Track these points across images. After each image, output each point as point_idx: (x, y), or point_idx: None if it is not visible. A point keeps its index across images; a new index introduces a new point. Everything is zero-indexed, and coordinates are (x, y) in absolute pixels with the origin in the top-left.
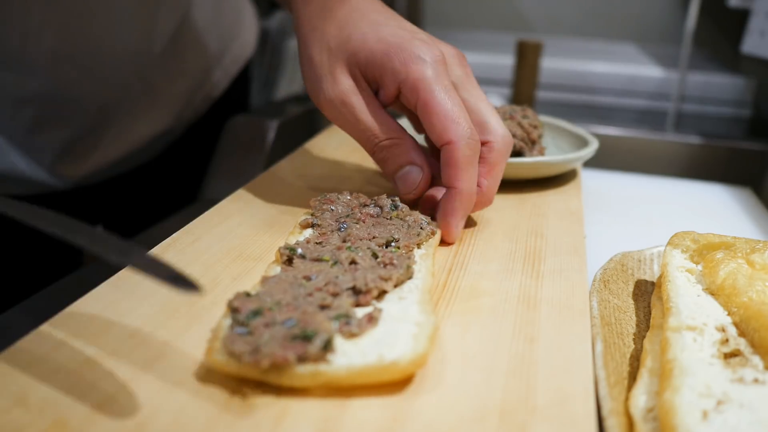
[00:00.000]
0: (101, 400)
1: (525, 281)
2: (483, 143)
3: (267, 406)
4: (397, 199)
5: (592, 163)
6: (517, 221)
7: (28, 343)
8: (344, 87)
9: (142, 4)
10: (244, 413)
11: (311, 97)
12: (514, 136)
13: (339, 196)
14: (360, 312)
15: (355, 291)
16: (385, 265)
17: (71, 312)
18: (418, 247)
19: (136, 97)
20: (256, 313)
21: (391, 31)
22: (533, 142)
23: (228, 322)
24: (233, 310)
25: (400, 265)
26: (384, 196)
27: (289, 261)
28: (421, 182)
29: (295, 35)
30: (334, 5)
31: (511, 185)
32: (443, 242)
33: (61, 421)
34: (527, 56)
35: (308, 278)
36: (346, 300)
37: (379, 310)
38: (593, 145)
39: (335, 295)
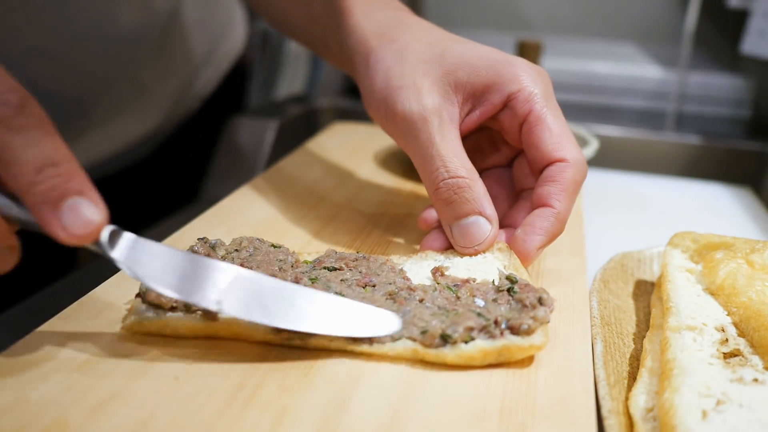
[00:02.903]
0: (101, 400)
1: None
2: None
3: (267, 405)
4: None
5: (592, 163)
6: None
7: (28, 343)
8: (430, 102)
9: (138, 11)
10: (244, 413)
11: (378, 111)
12: None
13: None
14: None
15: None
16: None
17: (71, 312)
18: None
19: (123, 94)
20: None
21: (490, 50)
22: None
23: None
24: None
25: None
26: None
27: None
28: (487, 239)
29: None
30: (409, 20)
31: None
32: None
33: (61, 421)
34: (527, 56)
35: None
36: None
37: None
38: (593, 145)
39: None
